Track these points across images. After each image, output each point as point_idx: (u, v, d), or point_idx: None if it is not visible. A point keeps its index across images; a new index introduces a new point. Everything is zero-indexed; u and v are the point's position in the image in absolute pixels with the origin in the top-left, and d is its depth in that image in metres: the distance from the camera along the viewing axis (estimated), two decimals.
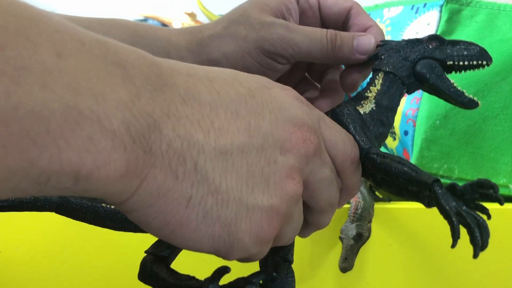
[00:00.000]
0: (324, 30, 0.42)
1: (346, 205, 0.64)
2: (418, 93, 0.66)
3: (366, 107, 0.37)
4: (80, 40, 0.21)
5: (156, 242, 0.32)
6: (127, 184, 0.22)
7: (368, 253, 0.63)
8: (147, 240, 0.32)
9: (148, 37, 0.44)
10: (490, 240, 0.65)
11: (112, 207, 0.37)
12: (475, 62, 0.38)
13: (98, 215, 0.37)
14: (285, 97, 0.30)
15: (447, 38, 0.75)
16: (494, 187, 0.30)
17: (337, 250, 0.62)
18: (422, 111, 0.67)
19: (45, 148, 0.19)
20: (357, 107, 0.37)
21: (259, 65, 0.42)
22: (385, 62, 0.39)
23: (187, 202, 0.24)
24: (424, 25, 0.70)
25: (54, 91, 0.19)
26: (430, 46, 0.39)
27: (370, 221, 0.63)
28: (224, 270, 0.28)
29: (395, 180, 0.32)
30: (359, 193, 0.64)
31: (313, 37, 0.41)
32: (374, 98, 0.38)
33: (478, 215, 0.29)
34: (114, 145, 0.21)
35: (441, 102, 0.70)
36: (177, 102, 0.24)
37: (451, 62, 0.38)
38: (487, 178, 0.69)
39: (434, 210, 0.64)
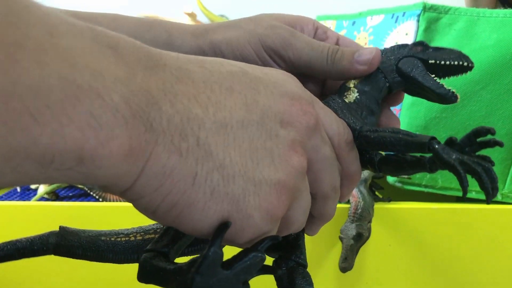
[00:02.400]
0: (328, 44, 0.42)
1: (346, 205, 0.64)
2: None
3: (350, 97, 0.37)
4: (71, 23, 0.21)
5: (155, 239, 0.30)
6: (132, 164, 0.22)
7: (368, 253, 0.63)
8: None
9: (151, 22, 0.44)
10: (490, 240, 0.65)
11: (112, 239, 0.36)
12: (455, 62, 0.39)
13: (98, 249, 0.36)
14: (278, 74, 0.29)
15: None
16: (490, 130, 0.30)
17: (337, 250, 0.62)
18: (402, 123, 0.66)
19: (47, 124, 0.19)
20: (342, 98, 0.37)
21: (257, 57, 0.42)
22: None
23: (193, 180, 0.24)
24: (403, 35, 0.70)
25: (51, 67, 0.19)
26: (416, 49, 0.40)
27: (370, 221, 0.62)
28: (225, 226, 0.25)
29: (392, 149, 0.32)
30: (359, 193, 0.64)
31: (315, 46, 0.41)
32: (355, 87, 0.38)
33: (483, 161, 0.29)
34: (116, 120, 0.21)
35: (421, 113, 0.70)
36: (171, 80, 0.24)
37: (432, 61, 0.39)
38: (473, 186, 0.68)
39: (434, 210, 0.65)
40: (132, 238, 0.37)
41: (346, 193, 0.35)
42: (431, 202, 0.67)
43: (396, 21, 0.71)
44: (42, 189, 0.79)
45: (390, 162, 0.34)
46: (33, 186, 0.74)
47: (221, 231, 0.25)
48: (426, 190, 0.69)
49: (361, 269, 0.63)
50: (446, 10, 0.67)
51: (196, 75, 0.25)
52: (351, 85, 0.38)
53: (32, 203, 0.74)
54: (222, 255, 0.25)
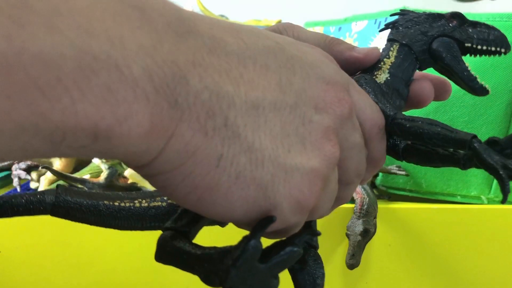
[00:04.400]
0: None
1: (350, 205, 0.63)
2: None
3: (380, 78, 0.35)
4: None
5: (174, 218, 0.28)
6: (153, 142, 0.20)
7: (368, 252, 0.63)
8: (150, 239, 0.29)
9: None
10: (490, 240, 0.65)
11: (115, 203, 0.34)
12: (493, 48, 0.36)
13: (100, 214, 0.33)
14: (315, 54, 0.27)
15: None
16: None
17: (340, 248, 0.62)
18: None
19: (57, 99, 0.17)
20: (373, 77, 0.35)
21: None
22: (402, 33, 0.37)
23: (218, 162, 0.22)
24: (385, 40, 0.71)
25: (64, 33, 0.17)
26: (451, 24, 0.37)
27: (375, 217, 0.62)
28: (269, 220, 0.23)
29: (428, 142, 0.30)
30: (363, 189, 0.64)
31: (317, 34, 0.38)
32: (387, 70, 0.36)
33: None
34: (135, 96, 0.18)
35: None
36: (202, 50, 0.21)
37: (469, 45, 0.36)
38: (458, 190, 0.68)
39: (434, 210, 0.63)
40: (137, 204, 0.34)
41: (367, 177, 0.33)
42: (432, 203, 0.67)
43: (379, 27, 0.72)
44: (42, 188, 0.80)
45: (417, 152, 0.32)
46: (33, 186, 0.75)
47: (264, 225, 0.23)
48: (410, 194, 0.69)
49: (361, 269, 0.62)
50: None
51: (230, 47, 0.23)
52: (384, 67, 0.36)
53: None
54: (261, 249, 0.23)
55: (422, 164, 0.33)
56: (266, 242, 0.25)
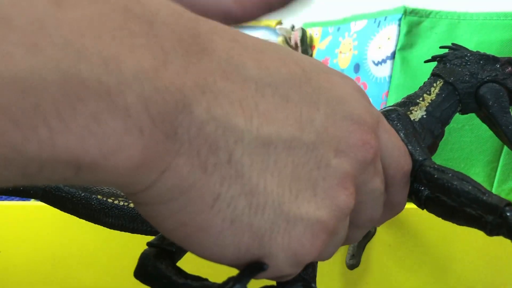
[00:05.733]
0: None
1: None
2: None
3: (415, 114, 0.32)
4: None
5: (161, 234, 0.26)
6: (143, 176, 0.18)
7: (368, 253, 0.63)
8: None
9: None
10: (490, 240, 0.64)
11: (109, 200, 0.32)
12: None
13: (91, 209, 0.32)
14: (345, 87, 0.24)
15: (409, 51, 0.67)
16: None
17: (340, 248, 0.62)
18: None
19: (32, 130, 0.15)
20: (407, 113, 0.32)
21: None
22: (449, 70, 0.34)
23: (214, 202, 0.19)
24: (385, 39, 0.70)
25: (48, 53, 0.15)
26: (505, 70, 0.34)
27: None
28: (259, 268, 0.21)
29: (455, 199, 0.27)
30: None
31: None
32: (425, 107, 0.33)
33: None
34: (126, 127, 0.16)
35: None
36: (216, 74, 0.19)
37: None
38: None
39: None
40: (132, 205, 0.33)
41: (382, 222, 0.30)
42: None
43: (378, 26, 0.72)
44: None
45: (441, 205, 0.29)
46: None
47: (253, 271, 0.21)
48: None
49: (362, 269, 0.62)
50: (427, 14, 0.67)
51: (248, 72, 0.20)
52: (423, 104, 0.33)
53: (32, 203, 0.73)
54: None
55: (444, 218, 0.30)
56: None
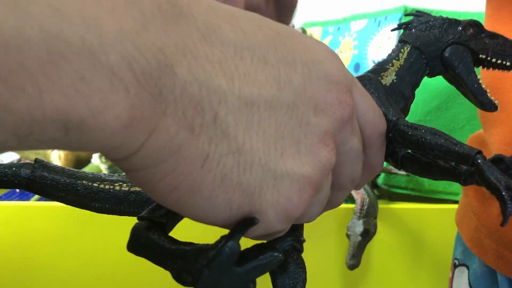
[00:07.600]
0: None
1: (351, 205, 0.63)
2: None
3: (386, 80, 0.33)
4: None
5: (152, 207, 0.27)
6: (132, 136, 0.18)
7: (368, 253, 0.63)
8: None
9: None
10: None
11: (95, 184, 0.32)
12: (508, 63, 0.35)
13: (77, 194, 0.32)
14: (319, 49, 0.25)
15: None
16: None
17: (340, 249, 0.62)
18: None
19: (20, 88, 0.15)
20: (378, 78, 0.33)
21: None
22: (415, 35, 0.36)
23: (203, 162, 0.20)
24: (385, 39, 0.70)
25: (31, 14, 0.15)
26: (467, 33, 0.35)
27: (375, 217, 0.62)
28: (250, 222, 0.22)
29: (429, 153, 0.28)
30: (363, 189, 0.64)
31: None
32: (395, 72, 0.34)
33: None
34: (112, 85, 0.17)
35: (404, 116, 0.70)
36: (195, 37, 0.20)
37: (483, 56, 0.35)
38: (460, 189, 0.67)
39: (434, 210, 0.64)
40: (117, 188, 0.32)
41: (362, 183, 0.31)
42: (432, 203, 0.67)
43: (379, 25, 0.72)
44: None
45: (417, 162, 0.31)
46: None
47: (244, 227, 0.22)
48: (412, 193, 0.69)
49: (362, 269, 0.62)
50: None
51: (227, 36, 0.21)
52: (392, 69, 0.34)
53: (31, 203, 0.74)
54: (239, 251, 0.22)
55: (420, 175, 0.31)
56: (246, 242, 0.23)
